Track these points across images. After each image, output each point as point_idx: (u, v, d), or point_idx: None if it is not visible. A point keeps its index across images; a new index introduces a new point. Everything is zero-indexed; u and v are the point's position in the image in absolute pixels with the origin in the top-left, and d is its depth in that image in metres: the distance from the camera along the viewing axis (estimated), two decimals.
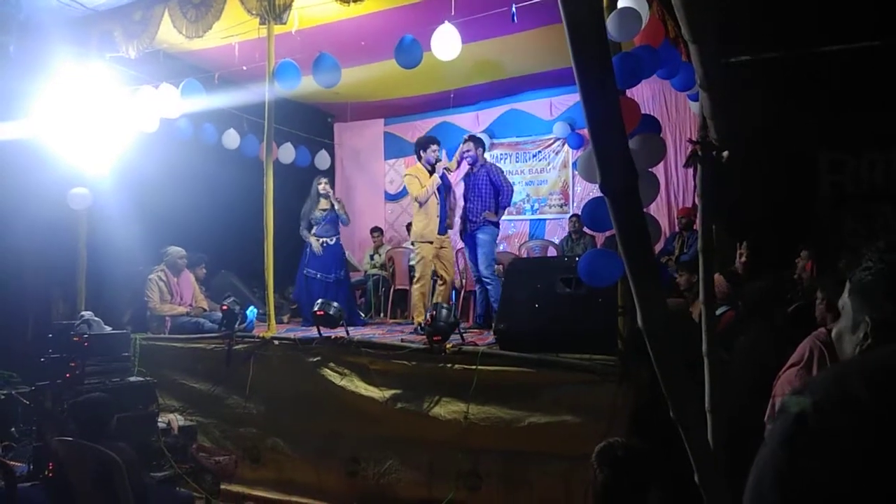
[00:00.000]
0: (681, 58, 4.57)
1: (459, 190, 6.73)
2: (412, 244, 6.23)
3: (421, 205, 5.92)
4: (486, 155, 6.84)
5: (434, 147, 6.12)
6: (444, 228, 6.11)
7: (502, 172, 6.47)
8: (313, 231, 6.82)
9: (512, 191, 6.52)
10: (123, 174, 6.22)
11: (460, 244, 7.51)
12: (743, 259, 4.94)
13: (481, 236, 6.10)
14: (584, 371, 3.99)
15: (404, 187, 9.41)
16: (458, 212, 6.42)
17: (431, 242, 5.96)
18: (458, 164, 6.44)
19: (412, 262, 6.36)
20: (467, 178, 6.27)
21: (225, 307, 5.68)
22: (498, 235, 6.42)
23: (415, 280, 6.06)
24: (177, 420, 5.01)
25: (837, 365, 0.87)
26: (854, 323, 1.08)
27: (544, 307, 4.38)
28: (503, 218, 6.62)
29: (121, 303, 6.50)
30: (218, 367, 5.45)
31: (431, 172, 6.02)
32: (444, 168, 6.16)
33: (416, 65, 5.21)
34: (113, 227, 6.23)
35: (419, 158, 6.14)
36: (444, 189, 6.16)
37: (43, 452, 4.25)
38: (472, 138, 6.48)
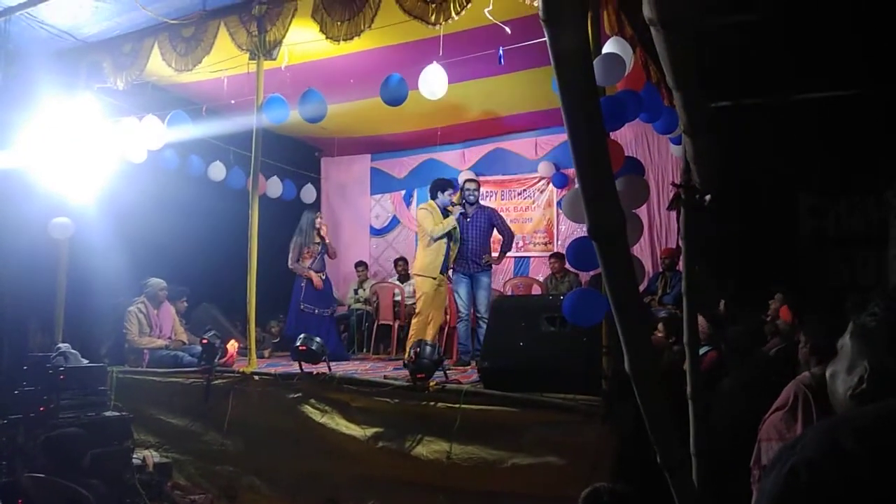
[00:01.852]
0: (663, 102, 4.66)
1: None
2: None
3: (434, 240, 6.03)
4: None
5: (450, 192, 6.35)
6: (445, 268, 6.25)
7: (503, 218, 6.76)
8: (310, 266, 6.89)
9: (513, 237, 6.85)
10: (107, 204, 6.17)
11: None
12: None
13: (484, 279, 6.32)
14: (569, 411, 3.97)
15: (390, 222, 9.56)
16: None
17: (434, 279, 6.09)
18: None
19: (409, 299, 6.47)
20: (464, 217, 6.36)
21: (205, 340, 5.61)
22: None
23: (415, 314, 6.16)
24: (152, 456, 4.91)
25: (828, 420, 0.87)
26: (850, 365, 1.07)
27: (529, 346, 4.36)
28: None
29: (100, 334, 6.39)
30: (196, 402, 5.35)
31: (445, 214, 6.22)
32: (452, 204, 6.36)
33: (401, 103, 5.27)
34: (94, 257, 6.15)
35: (434, 197, 6.37)
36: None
37: (12, 488, 4.11)
38: (476, 180, 6.77)
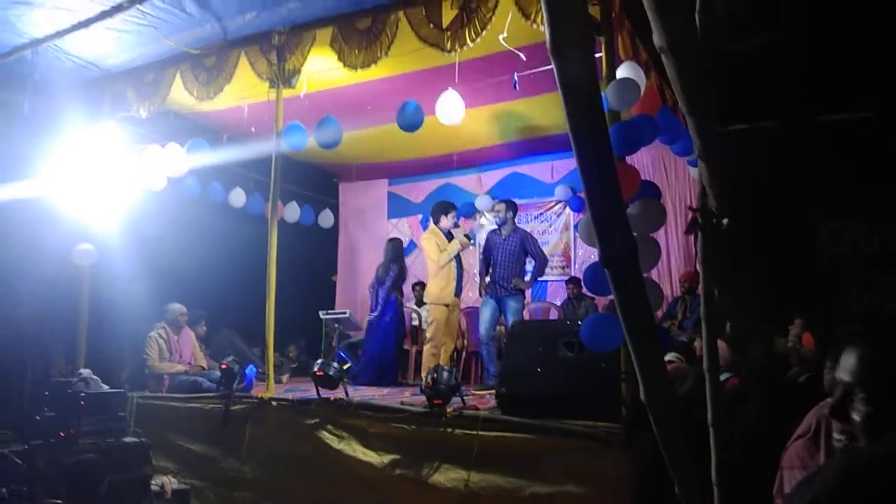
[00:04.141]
0: (681, 125, 4.65)
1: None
2: (420, 305, 6.29)
3: (441, 267, 6.02)
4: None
5: (453, 213, 6.31)
6: (459, 290, 6.19)
7: (536, 242, 6.56)
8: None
9: (546, 263, 6.64)
10: (130, 231, 6.27)
11: (463, 304, 7.51)
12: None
13: (512, 304, 6.15)
14: (588, 438, 3.91)
15: (408, 246, 9.57)
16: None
17: (447, 305, 6.05)
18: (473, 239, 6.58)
19: (425, 324, 6.45)
20: (496, 238, 6.32)
21: (224, 366, 5.63)
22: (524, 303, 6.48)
23: (427, 341, 6.09)
24: (170, 483, 4.90)
25: (847, 452, 0.87)
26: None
27: (546, 371, 4.33)
28: None
29: (121, 360, 6.45)
30: (214, 427, 5.36)
31: (449, 237, 6.12)
32: (465, 235, 6.34)
33: (417, 129, 5.32)
34: (116, 283, 6.24)
35: (436, 222, 6.30)
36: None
37: None
38: (506, 202, 6.59)
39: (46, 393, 4.95)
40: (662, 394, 1.41)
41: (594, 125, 1.20)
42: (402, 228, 9.68)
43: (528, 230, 8.64)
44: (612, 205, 1.33)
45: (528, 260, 6.44)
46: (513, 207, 6.52)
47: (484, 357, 6.30)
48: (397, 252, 7.06)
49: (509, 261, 6.22)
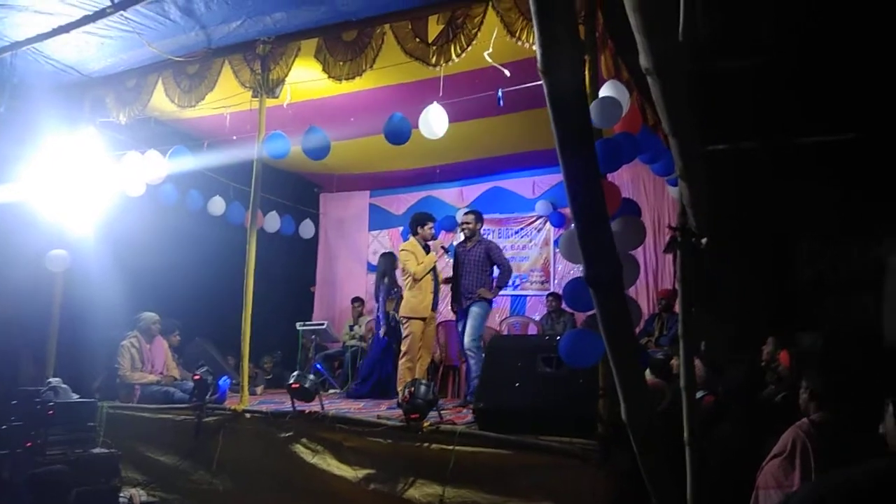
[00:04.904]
0: (662, 144, 4.70)
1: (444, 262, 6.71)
2: (402, 319, 6.21)
3: (416, 281, 5.95)
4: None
5: (430, 224, 6.24)
6: (436, 304, 6.15)
7: (501, 251, 6.44)
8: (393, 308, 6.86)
9: (511, 272, 6.51)
10: (105, 237, 6.17)
11: (440, 317, 7.49)
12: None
13: (475, 309, 6.04)
14: (565, 455, 3.90)
15: None
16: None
17: (423, 319, 5.99)
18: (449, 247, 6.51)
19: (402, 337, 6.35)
20: (463, 250, 6.28)
21: (197, 376, 5.55)
22: (489, 311, 6.35)
23: (401, 354, 6.03)
24: (139, 496, 4.81)
25: (820, 480, 0.87)
26: None
27: (525, 386, 4.32)
28: None
29: (93, 368, 6.32)
30: (185, 439, 5.26)
31: (427, 249, 6.09)
32: (442, 247, 6.28)
33: (405, 141, 5.30)
34: (90, 290, 6.12)
35: (414, 234, 6.23)
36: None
37: None
38: (474, 212, 6.49)
39: (14, 402, 4.83)
40: (643, 412, 1.41)
41: (583, 145, 1.21)
42: (383, 240, 9.67)
43: (508, 245, 8.71)
44: (598, 225, 1.33)
45: (493, 270, 6.39)
46: (480, 218, 6.47)
47: (471, 368, 6.16)
48: (387, 266, 7.03)
49: (475, 271, 6.14)
